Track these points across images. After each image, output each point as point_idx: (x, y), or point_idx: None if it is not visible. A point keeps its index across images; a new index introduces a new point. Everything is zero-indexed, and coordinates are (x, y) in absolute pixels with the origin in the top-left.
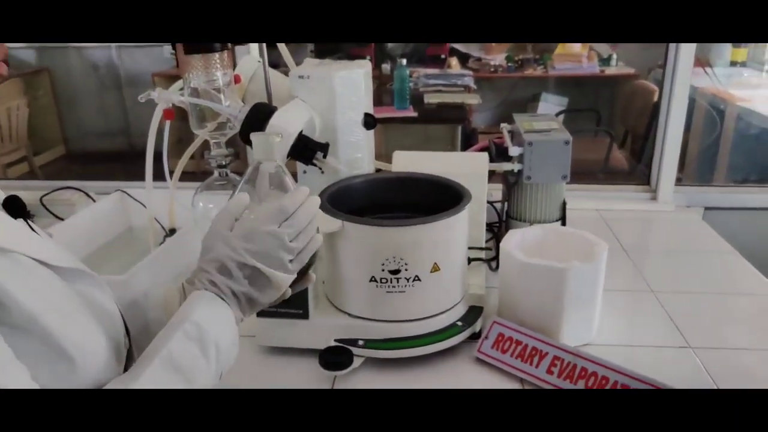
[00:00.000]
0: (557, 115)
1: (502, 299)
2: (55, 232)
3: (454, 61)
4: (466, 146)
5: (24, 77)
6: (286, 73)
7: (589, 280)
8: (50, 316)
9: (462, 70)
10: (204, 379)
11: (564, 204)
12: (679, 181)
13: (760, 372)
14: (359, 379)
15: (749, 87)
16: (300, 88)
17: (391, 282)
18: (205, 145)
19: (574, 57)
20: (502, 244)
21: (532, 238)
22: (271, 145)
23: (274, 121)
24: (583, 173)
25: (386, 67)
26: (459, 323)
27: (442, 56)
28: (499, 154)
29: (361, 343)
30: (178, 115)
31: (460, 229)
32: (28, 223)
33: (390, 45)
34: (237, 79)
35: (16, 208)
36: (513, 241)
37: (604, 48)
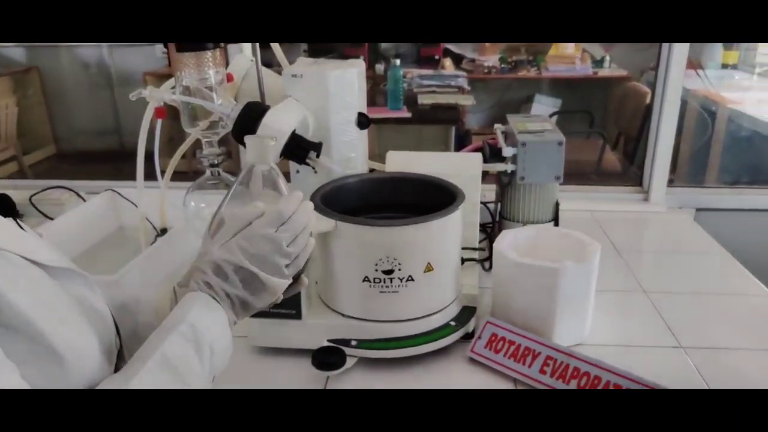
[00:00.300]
0: (550, 116)
1: (495, 299)
2: (44, 232)
3: (447, 62)
4: (459, 147)
5: (13, 76)
6: (279, 72)
7: (581, 280)
8: (41, 316)
9: (456, 71)
10: (197, 381)
11: (557, 205)
12: (670, 183)
13: (751, 372)
14: (352, 379)
15: (740, 89)
16: (293, 87)
17: (384, 282)
18: (197, 144)
19: (568, 59)
20: (495, 245)
21: (525, 239)
22: (265, 148)
23: (267, 120)
24: (576, 174)
25: (380, 67)
26: (452, 323)
27: (436, 57)
28: (492, 154)
29: (354, 343)
30: (169, 113)
31: (453, 230)
32: (17, 222)
33: (384, 45)
34: (229, 78)
35: (5, 206)
36: (506, 241)
37: (597, 50)
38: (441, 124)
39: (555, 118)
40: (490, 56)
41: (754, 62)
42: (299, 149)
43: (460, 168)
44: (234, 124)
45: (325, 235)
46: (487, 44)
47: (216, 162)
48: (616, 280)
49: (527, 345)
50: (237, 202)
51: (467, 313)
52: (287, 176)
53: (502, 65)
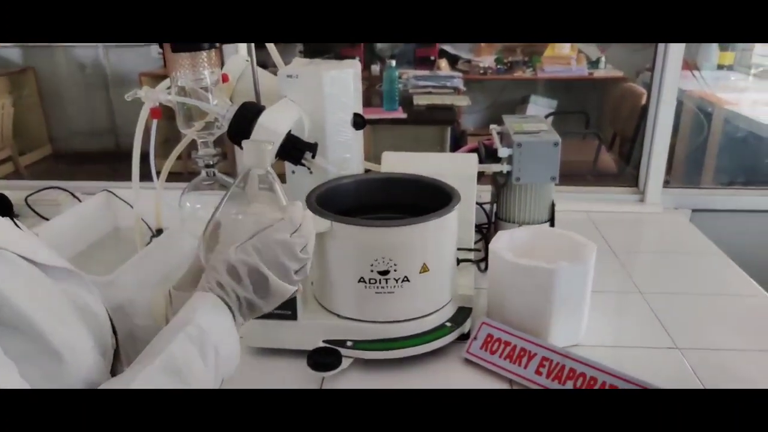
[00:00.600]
0: (546, 117)
1: (491, 300)
2: (40, 233)
3: (443, 63)
4: (455, 148)
5: (9, 76)
6: (274, 73)
7: (577, 280)
8: (39, 314)
9: (451, 72)
10: (199, 384)
11: (553, 205)
12: (666, 183)
13: (746, 373)
14: (348, 380)
15: (736, 90)
16: (289, 87)
17: (380, 283)
18: (192, 145)
19: (563, 60)
20: (491, 245)
21: (520, 239)
22: (262, 152)
23: (262, 120)
24: (571, 175)
25: (375, 68)
26: (448, 324)
27: (432, 58)
28: (488, 155)
29: (349, 344)
30: (165, 114)
31: (449, 230)
32: (14, 221)
33: (379, 46)
34: (225, 78)
35: (2, 206)
36: (502, 242)
37: (592, 51)
38: (437, 124)
39: (551, 118)
40: (486, 57)
41: (749, 63)
42: (295, 150)
43: (455, 169)
44: (229, 124)
45: (320, 235)
46: (482, 45)
47: (211, 163)
48: (612, 281)
49: (523, 346)
50: (233, 204)
51: (463, 313)
52: (282, 177)
53: (498, 66)
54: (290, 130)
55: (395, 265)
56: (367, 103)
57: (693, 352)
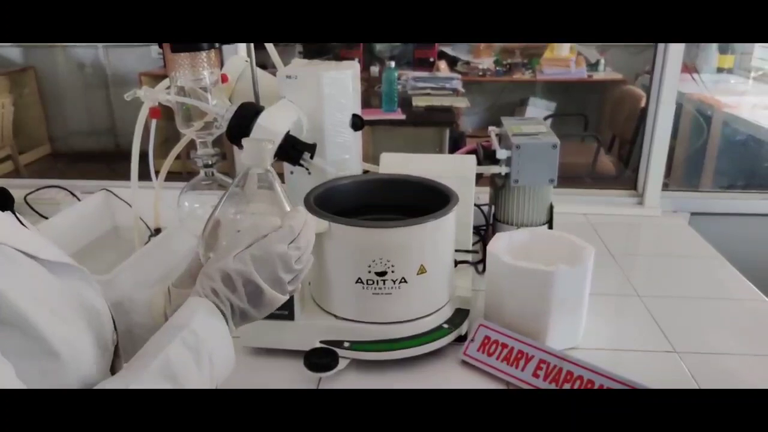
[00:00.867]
0: (545, 119)
1: (489, 302)
2: (39, 231)
3: (442, 65)
4: (453, 149)
5: (9, 75)
6: (274, 74)
7: (575, 283)
8: (37, 311)
9: (450, 74)
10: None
11: (551, 207)
12: (665, 187)
13: (744, 376)
14: (344, 380)
15: (736, 93)
16: (287, 88)
17: (377, 284)
18: (191, 145)
19: (563, 62)
20: (489, 247)
21: (519, 242)
22: (262, 151)
23: (261, 121)
24: (570, 178)
25: (375, 69)
26: (445, 326)
27: (431, 59)
28: (486, 157)
29: (346, 344)
30: (164, 114)
31: (447, 232)
32: (16, 215)
33: (378, 47)
34: (224, 79)
35: (4, 200)
36: (500, 244)
37: (592, 53)
38: (435, 126)
39: (550, 121)
40: (485, 59)
41: (749, 66)
42: (293, 150)
43: (454, 170)
44: (228, 124)
45: (318, 236)
46: (481, 47)
47: (210, 162)
48: (610, 284)
49: (520, 348)
50: (232, 204)
51: (460, 315)
52: (281, 178)
53: (497, 68)
54: (289, 131)
55: (393, 266)
56: (366, 104)
57: (691, 356)
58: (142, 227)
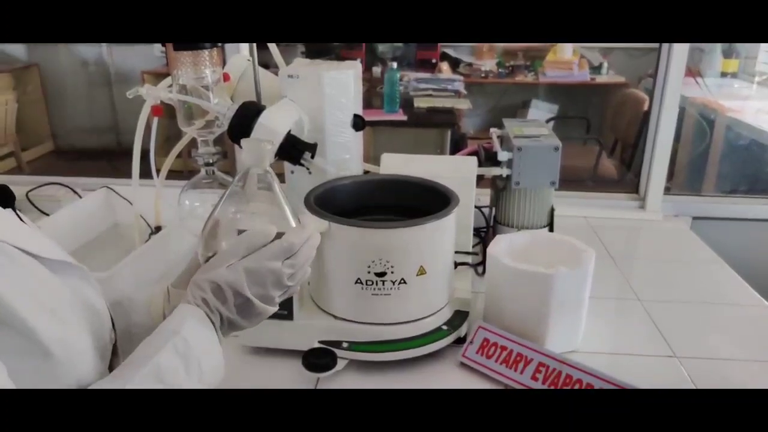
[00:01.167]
0: (547, 121)
1: (488, 304)
2: (40, 228)
3: (444, 66)
4: (455, 151)
5: (13, 72)
6: (276, 73)
7: (575, 286)
8: (33, 311)
9: (452, 75)
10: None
11: (552, 210)
12: (667, 191)
13: (744, 382)
14: (343, 381)
15: (740, 98)
16: (289, 87)
17: (376, 284)
18: (193, 143)
19: (565, 64)
20: (489, 249)
21: (519, 244)
22: (262, 151)
23: (263, 120)
24: (571, 180)
25: (377, 70)
26: (444, 327)
27: (433, 60)
28: (488, 158)
29: (345, 345)
30: (167, 112)
31: (447, 233)
32: (16, 213)
33: (381, 48)
34: (226, 77)
35: (4, 197)
36: (500, 246)
37: (595, 56)
38: (437, 127)
39: (552, 123)
40: (487, 60)
41: (753, 71)
42: (294, 150)
43: (454, 171)
44: (230, 123)
45: None
46: (484, 49)
47: (211, 161)
48: (610, 288)
49: (519, 351)
50: (232, 203)
51: (460, 317)
52: (281, 177)
53: (500, 70)
54: (290, 130)
55: (392, 267)
56: (367, 104)
57: (691, 361)
58: (143, 225)
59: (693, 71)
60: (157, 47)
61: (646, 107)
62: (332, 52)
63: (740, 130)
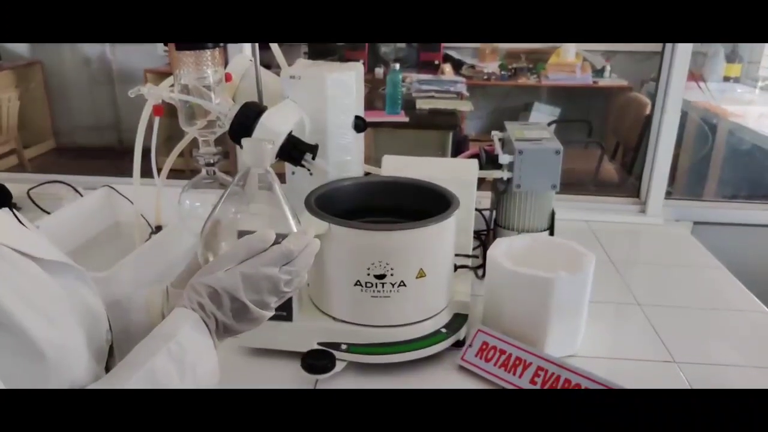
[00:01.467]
0: (549, 124)
1: (488, 307)
2: (40, 226)
3: (447, 68)
4: (456, 153)
5: (16, 69)
6: (278, 73)
7: (575, 291)
8: (23, 311)
9: (455, 77)
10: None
11: (553, 214)
12: (668, 195)
13: (743, 388)
14: (341, 383)
15: (742, 103)
16: (291, 88)
17: (376, 287)
18: (195, 143)
19: (568, 67)
20: (489, 252)
21: (519, 247)
22: (262, 151)
23: (264, 120)
24: (573, 184)
25: (379, 71)
26: (443, 330)
27: (436, 62)
28: (489, 161)
29: (344, 347)
30: (169, 112)
31: (447, 236)
32: (14, 212)
33: (384, 49)
34: (228, 78)
35: (1, 197)
36: (500, 249)
37: (597, 59)
38: (439, 129)
39: (553, 126)
40: (490, 63)
41: (756, 76)
42: (295, 151)
43: (455, 174)
44: (231, 124)
45: (317, 237)
46: (487, 51)
47: (212, 161)
48: (610, 292)
49: (518, 355)
50: (232, 203)
51: (459, 320)
52: (283, 177)
53: (502, 72)
54: (291, 131)
55: (392, 269)
56: (369, 106)
57: (690, 367)
58: (144, 224)
59: (696, 75)
60: (160, 46)
61: (648, 111)
62: (335, 52)
63: (742, 135)
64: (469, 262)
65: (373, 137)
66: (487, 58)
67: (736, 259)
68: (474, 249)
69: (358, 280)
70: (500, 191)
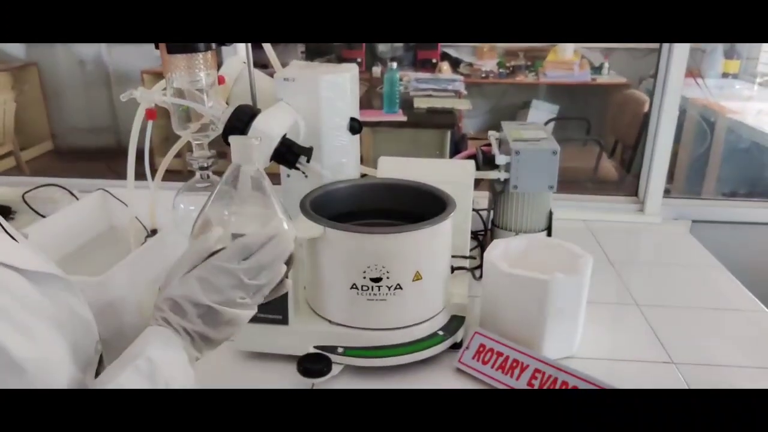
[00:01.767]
0: (547, 122)
1: (485, 309)
2: (34, 230)
3: (445, 66)
4: (455, 152)
5: (12, 71)
6: (272, 75)
7: (572, 292)
8: (6, 330)
9: (453, 75)
10: None
11: (550, 214)
12: (667, 193)
13: (743, 388)
14: (338, 386)
15: (741, 99)
16: (285, 90)
17: (372, 290)
18: (191, 144)
19: (566, 65)
20: (486, 254)
21: (516, 249)
22: (249, 149)
23: (257, 124)
24: (571, 182)
25: (377, 70)
26: (440, 333)
27: (433, 60)
28: (486, 162)
29: (340, 350)
30: (166, 113)
31: (443, 238)
32: None
33: (381, 48)
34: (221, 80)
35: None
36: (497, 250)
37: (596, 56)
38: (437, 128)
39: (552, 124)
40: (488, 61)
41: (755, 72)
42: (290, 154)
43: (452, 175)
44: (224, 127)
45: (313, 241)
46: (485, 49)
47: (206, 165)
48: (608, 293)
49: (516, 357)
50: (222, 202)
51: (456, 322)
52: (278, 178)
53: (500, 70)
54: (285, 134)
55: (388, 272)
56: (367, 105)
57: (689, 367)
58: (139, 228)
59: (694, 72)
60: None
61: (646, 108)
62: (332, 52)
63: (741, 132)
64: (466, 263)
65: (371, 137)
66: (485, 56)
67: (735, 258)
68: (471, 250)
69: (354, 283)
70: (497, 192)
